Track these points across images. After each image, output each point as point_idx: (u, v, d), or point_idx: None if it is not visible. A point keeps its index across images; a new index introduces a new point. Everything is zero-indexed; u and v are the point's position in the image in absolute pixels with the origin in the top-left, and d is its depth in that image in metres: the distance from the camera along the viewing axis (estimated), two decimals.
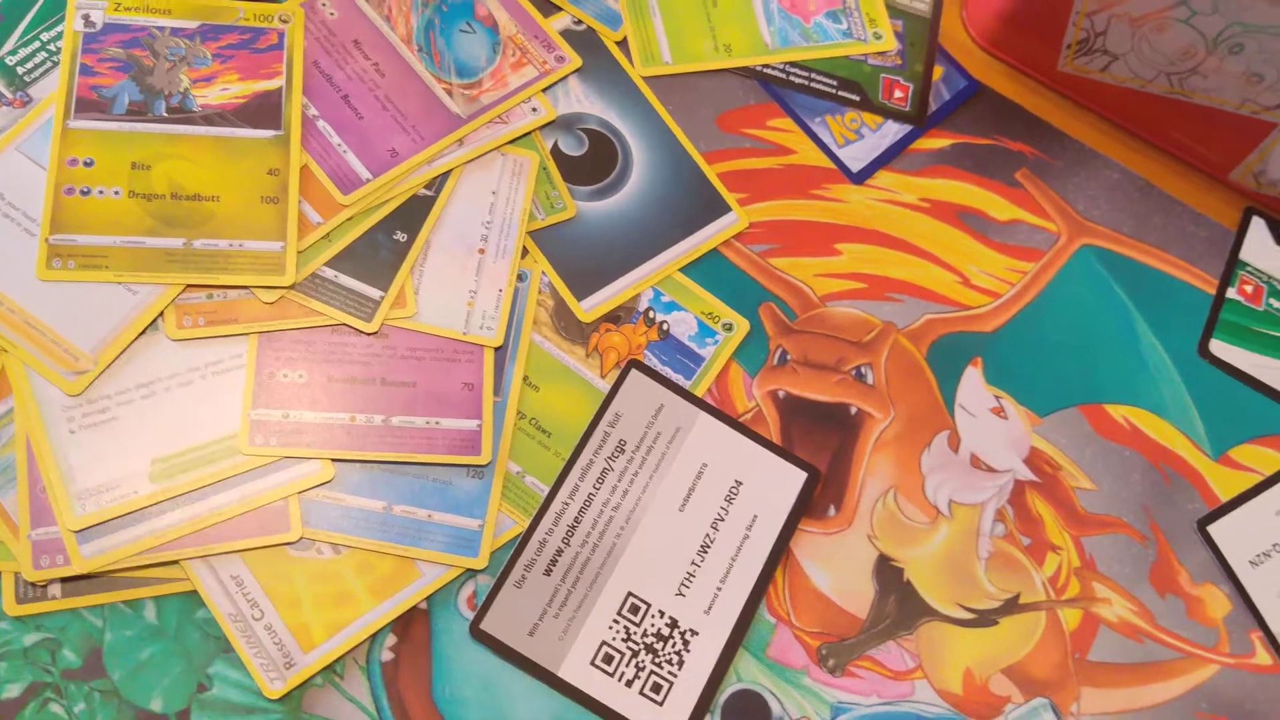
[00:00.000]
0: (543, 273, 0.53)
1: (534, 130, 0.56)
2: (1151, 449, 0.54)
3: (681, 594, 0.48)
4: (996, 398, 0.55)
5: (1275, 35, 0.56)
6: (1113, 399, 0.55)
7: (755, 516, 0.50)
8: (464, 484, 0.49)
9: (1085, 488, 0.53)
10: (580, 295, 0.53)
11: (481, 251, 0.53)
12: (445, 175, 0.54)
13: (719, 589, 0.49)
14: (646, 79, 0.58)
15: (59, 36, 0.52)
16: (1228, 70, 0.58)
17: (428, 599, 0.47)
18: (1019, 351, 0.56)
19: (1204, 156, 0.61)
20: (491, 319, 0.52)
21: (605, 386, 0.52)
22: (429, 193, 0.53)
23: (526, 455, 0.50)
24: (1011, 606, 0.50)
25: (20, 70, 0.51)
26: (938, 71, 0.62)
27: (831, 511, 0.52)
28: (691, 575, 0.49)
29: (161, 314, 0.49)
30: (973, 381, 0.55)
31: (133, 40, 0.52)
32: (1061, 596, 0.51)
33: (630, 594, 0.48)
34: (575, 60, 0.58)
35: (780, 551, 0.50)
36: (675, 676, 0.47)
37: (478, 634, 0.46)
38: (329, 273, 0.51)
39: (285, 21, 0.54)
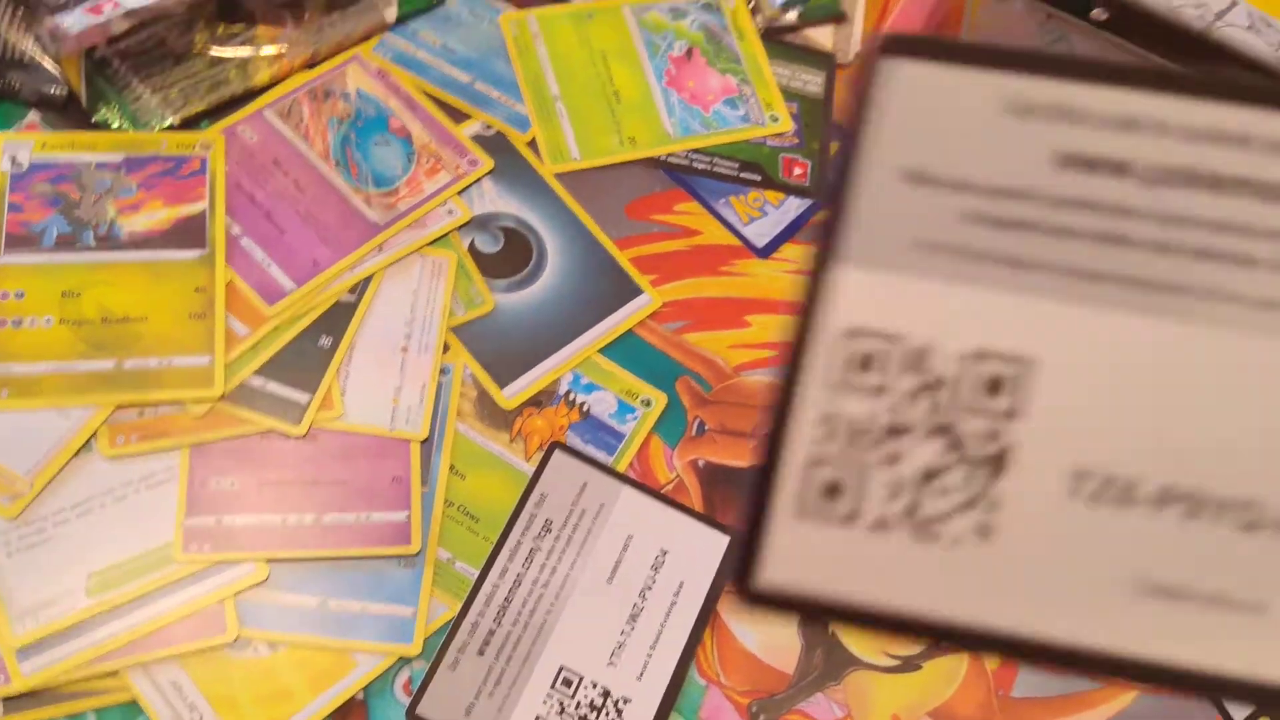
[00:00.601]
0: (465, 365, 0.56)
1: (451, 231, 0.59)
2: None
3: (613, 664, 0.50)
4: None
5: None
6: None
7: (682, 583, 0.52)
8: (396, 574, 0.51)
9: None
10: (502, 383, 0.56)
11: (405, 350, 0.55)
12: (367, 280, 0.56)
13: (649, 655, 0.50)
14: (557, 175, 0.62)
15: None
16: None
17: (365, 689, 0.49)
18: None
19: None
20: (416, 414, 0.54)
21: (530, 469, 0.54)
22: (352, 298, 0.56)
23: (456, 541, 0.52)
24: (933, 650, 0.52)
25: None
26: (834, 147, 0.66)
27: None
28: (622, 644, 0.50)
29: (95, 434, 0.51)
30: None
31: (59, 176, 0.55)
32: None
33: (563, 668, 0.49)
34: (487, 163, 0.61)
35: (708, 614, 0.51)
36: None
37: (414, 719, 0.48)
38: (257, 381, 0.53)
39: (207, 148, 0.57)
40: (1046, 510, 0.19)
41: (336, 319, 0.55)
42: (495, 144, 0.62)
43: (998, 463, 0.19)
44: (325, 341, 0.55)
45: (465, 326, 0.57)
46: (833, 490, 0.19)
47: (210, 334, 0.53)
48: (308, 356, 0.54)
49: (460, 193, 0.60)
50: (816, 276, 0.19)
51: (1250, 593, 0.18)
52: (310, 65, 0.61)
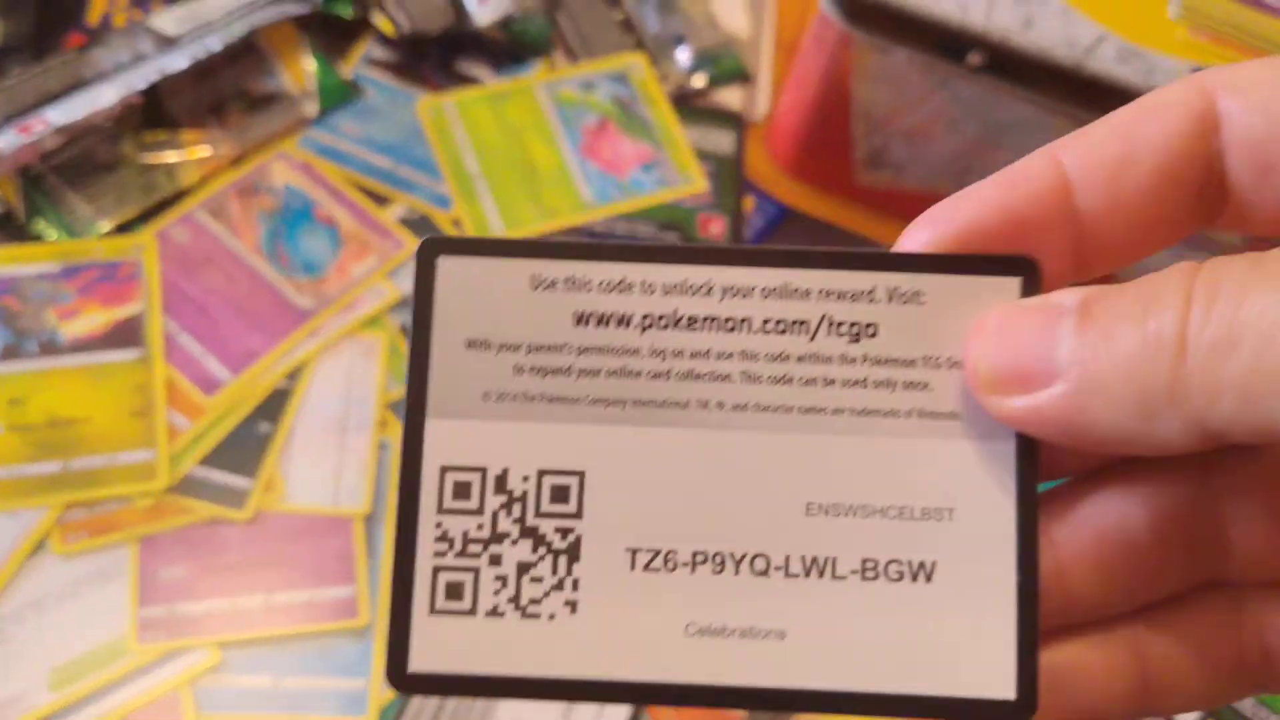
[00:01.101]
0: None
1: (382, 312, 0.61)
2: None
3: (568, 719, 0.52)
4: None
5: (1028, 131, 0.63)
6: None
7: None
8: (347, 648, 0.52)
9: None
10: None
11: (343, 429, 0.57)
12: (302, 365, 0.59)
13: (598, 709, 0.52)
14: None
15: None
16: (1000, 162, 0.65)
17: None
18: None
19: None
20: (358, 490, 0.56)
21: None
22: (288, 383, 0.58)
23: None
24: None
25: None
26: (749, 203, 0.69)
27: None
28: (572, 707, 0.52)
29: (47, 534, 0.52)
30: None
31: (0, 289, 0.57)
32: None
33: None
34: (413, 243, 0.63)
35: None
36: None
37: None
38: (200, 471, 0.55)
39: (140, 251, 0.60)
40: (613, 583, 0.25)
41: (274, 405, 0.58)
42: (420, 225, 0.64)
43: (573, 552, 0.25)
44: (265, 427, 0.57)
45: (399, 403, 0.59)
46: (454, 590, 0.25)
47: (152, 429, 0.55)
48: (249, 443, 0.56)
49: (389, 274, 0.62)
50: (411, 428, 0.25)
51: (771, 623, 0.24)
52: (237, 163, 0.64)
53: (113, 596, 0.52)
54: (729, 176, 0.69)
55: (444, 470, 0.25)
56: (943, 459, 0.25)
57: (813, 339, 0.25)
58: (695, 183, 0.68)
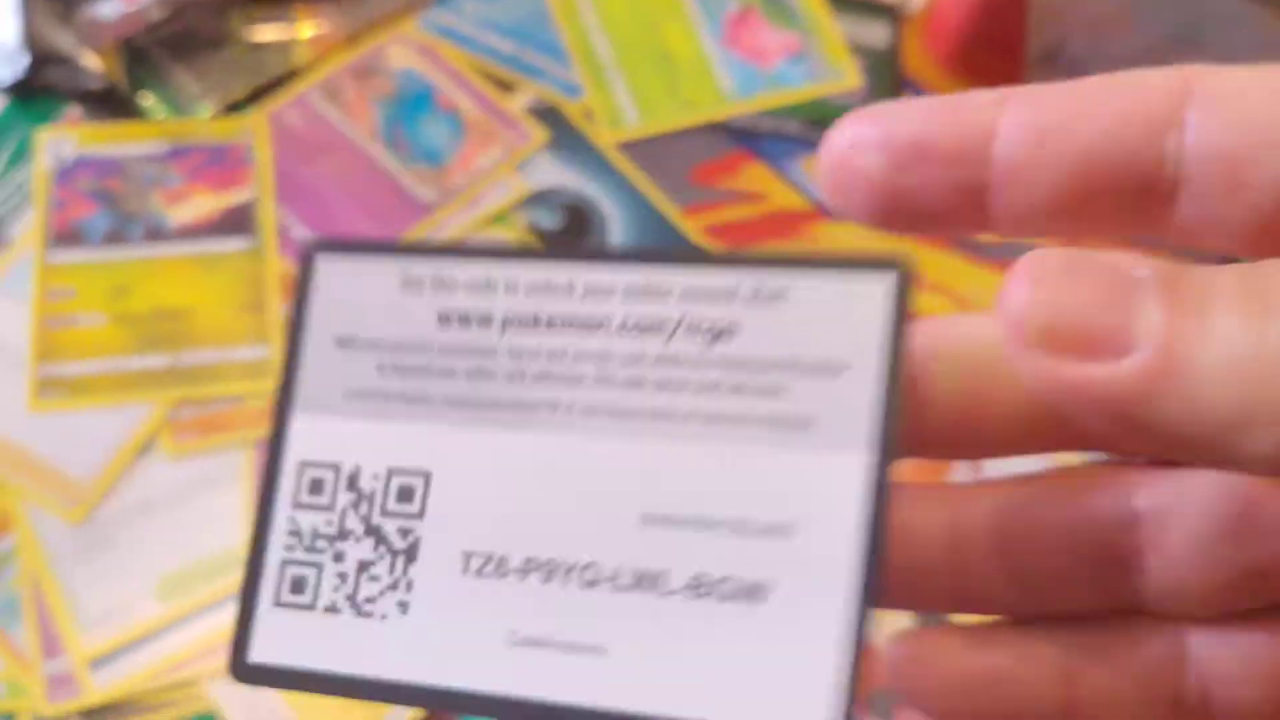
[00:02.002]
0: None
1: (507, 209, 0.56)
2: None
3: None
4: None
5: (1233, 27, 0.56)
6: None
7: None
8: None
9: None
10: None
11: None
12: None
13: None
14: (615, 144, 0.59)
15: (30, 176, 0.53)
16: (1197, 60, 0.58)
17: None
18: None
19: None
20: None
21: None
22: None
23: None
24: None
25: None
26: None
27: None
28: None
29: (155, 433, 0.49)
30: None
31: (104, 170, 0.53)
32: None
33: None
34: (540, 135, 0.58)
35: None
36: None
37: None
38: None
39: (251, 134, 0.55)
40: (445, 586, 0.24)
41: None
42: (548, 115, 0.59)
43: (411, 553, 0.24)
44: None
45: None
46: (298, 585, 0.24)
47: (265, 325, 0.51)
48: None
49: (516, 167, 0.57)
50: (277, 421, 0.24)
51: (592, 638, 0.23)
52: (351, 43, 0.59)
53: (225, 503, 0.48)
54: (884, 73, 0.63)
55: (302, 465, 0.25)
56: (792, 471, 0.23)
57: (669, 341, 0.24)
58: (847, 77, 0.62)
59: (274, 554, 0.25)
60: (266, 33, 0.58)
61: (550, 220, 0.57)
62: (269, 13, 0.58)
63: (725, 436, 0.23)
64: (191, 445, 0.49)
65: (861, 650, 0.21)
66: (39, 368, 0.49)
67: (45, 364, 0.49)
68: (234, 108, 0.56)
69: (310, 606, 0.24)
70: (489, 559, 0.24)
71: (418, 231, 0.54)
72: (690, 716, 0.23)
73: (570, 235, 0.56)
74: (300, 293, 0.26)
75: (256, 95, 0.57)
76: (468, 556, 0.24)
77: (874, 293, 0.22)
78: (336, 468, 0.25)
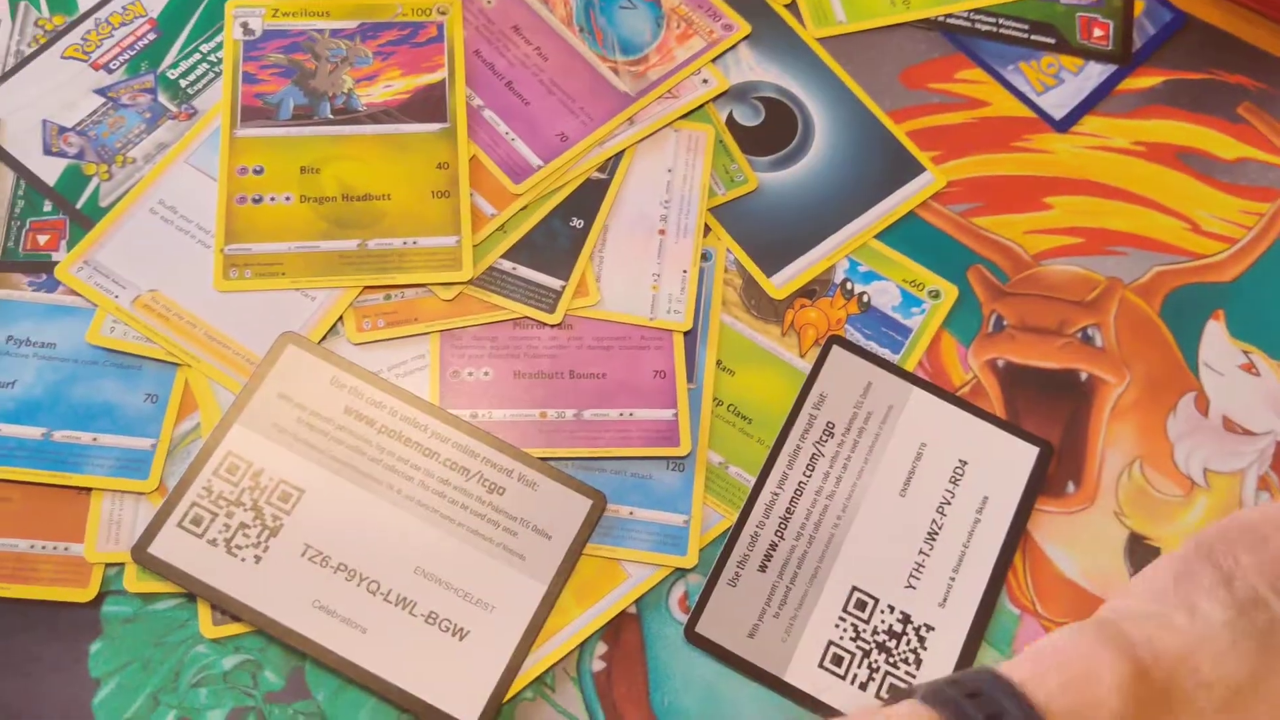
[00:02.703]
0: (728, 250, 0.50)
1: (707, 102, 0.52)
2: None
3: (911, 586, 0.44)
4: (1245, 353, 0.49)
5: None
6: None
7: (986, 498, 0.45)
8: (664, 478, 0.45)
9: None
10: (770, 271, 0.50)
11: (662, 232, 0.49)
12: (618, 156, 0.51)
13: (952, 579, 0.44)
14: (820, 40, 0.54)
15: (219, 47, 0.51)
16: None
17: (637, 602, 0.44)
18: (1266, 300, 0.50)
19: None
20: (678, 302, 0.48)
21: (805, 366, 0.48)
22: (602, 175, 0.50)
23: (727, 444, 0.46)
24: None
25: (183, 83, 0.50)
26: (1139, 5, 0.57)
27: (1071, 488, 0.46)
28: (920, 565, 0.44)
29: (340, 318, 0.47)
30: (1216, 336, 0.49)
31: (293, 45, 0.51)
32: None
33: (855, 589, 0.44)
34: (744, 27, 0.54)
35: (1017, 535, 0.45)
36: (914, 677, 0.42)
37: (694, 638, 0.43)
38: (506, 265, 0.48)
39: (443, 13, 0.52)
40: (286, 558, 0.42)
41: (587, 198, 0.50)
42: (751, 5, 0.55)
43: (275, 531, 0.42)
44: (577, 223, 0.49)
45: (726, 207, 0.51)
46: (197, 520, 0.42)
47: (455, 213, 0.48)
48: (558, 239, 0.49)
49: (715, 60, 0.53)
50: (223, 424, 0.43)
51: (361, 621, 0.42)
52: None
53: (412, 387, 0.46)
54: None
55: (229, 453, 0.43)
56: (504, 577, 0.42)
57: (467, 480, 0.44)
58: None
59: (189, 496, 0.42)
60: None
61: (750, 116, 0.53)
62: None
63: (478, 544, 0.43)
64: (377, 334, 0.46)
65: (509, 679, 0.41)
66: (226, 246, 0.47)
67: (233, 242, 0.47)
68: None
69: (200, 536, 0.42)
70: (319, 553, 0.42)
71: (616, 122, 0.51)
72: (402, 685, 0.41)
73: (771, 133, 0.52)
74: (268, 360, 0.44)
75: None
76: (307, 546, 0.42)
77: (581, 505, 0.43)
78: (250, 463, 0.43)
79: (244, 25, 0.51)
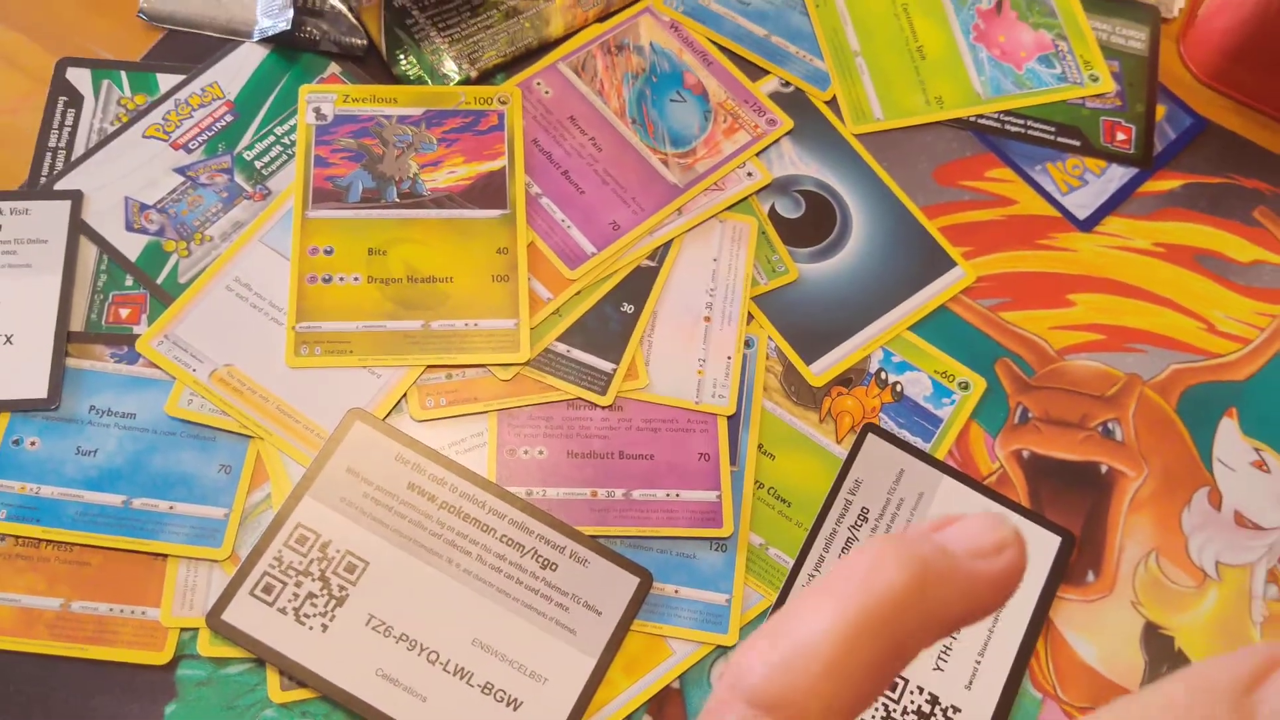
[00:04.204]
0: (769, 338, 0.53)
1: (751, 195, 0.55)
2: None
3: (939, 668, 0.46)
4: (1256, 450, 0.51)
5: None
6: None
7: None
8: (707, 557, 0.48)
9: None
10: (809, 359, 0.52)
11: (707, 319, 0.52)
12: (667, 245, 0.54)
13: (978, 662, 0.46)
14: (859, 136, 0.58)
15: (292, 130, 0.54)
16: None
17: (680, 678, 0.46)
18: (1276, 400, 0.52)
19: None
20: (723, 387, 0.51)
21: (841, 452, 0.50)
22: (652, 263, 0.53)
23: (767, 526, 0.49)
24: None
25: (258, 164, 0.53)
26: (1160, 111, 0.60)
27: (1090, 577, 0.49)
28: (948, 648, 0.47)
29: (405, 395, 0.49)
30: (1229, 433, 0.52)
31: (362, 130, 0.54)
32: None
33: None
34: (787, 122, 0.57)
35: (1040, 621, 0.47)
36: None
37: None
38: (561, 347, 0.51)
39: (504, 103, 0.55)
40: (352, 626, 0.44)
41: (637, 285, 0.53)
42: (793, 102, 0.58)
43: (341, 600, 0.44)
44: (628, 308, 0.52)
45: (768, 296, 0.54)
46: (268, 589, 0.44)
47: (514, 297, 0.51)
48: (610, 323, 0.52)
49: (759, 153, 0.56)
50: (294, 495, 0.46)
51: (422, 690, 0.43)
52: (602, 18, 0.59)
53: (471, 464, 0.48)
54: (1139, 79, 0.60)
55: (298, 525, 0.45)
56: (556, 650, 0.45)
57: (522, 556, 0.46)
58: (1101, 82, 0.60)
59: (261, 565, 0.44)
60: (523, 2, 0.58)
61: (792, 208, 0.56)
62: None
63: (531, 618, 0.45)
64: (438, 412, 0.49)
65: None
66: (298, 324, 0.50)
67: (304, 320, 0.50)
68: (487, 76, 0.57)
69: (271, 603, 0.44)
70: (382, 623, 0.44)
71: (666, 212, 0.54)
72: None
73: (811, 225, 0.55)
74: (336, 435, 0.47)
75: (508, 64, 0.57)
76: (371, 616, 0.44)
77: (629, 583, 0.46)
78: (318, 534, 0.45)
79: (316, 110, 0.54)
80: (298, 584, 0.44)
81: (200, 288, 0.50)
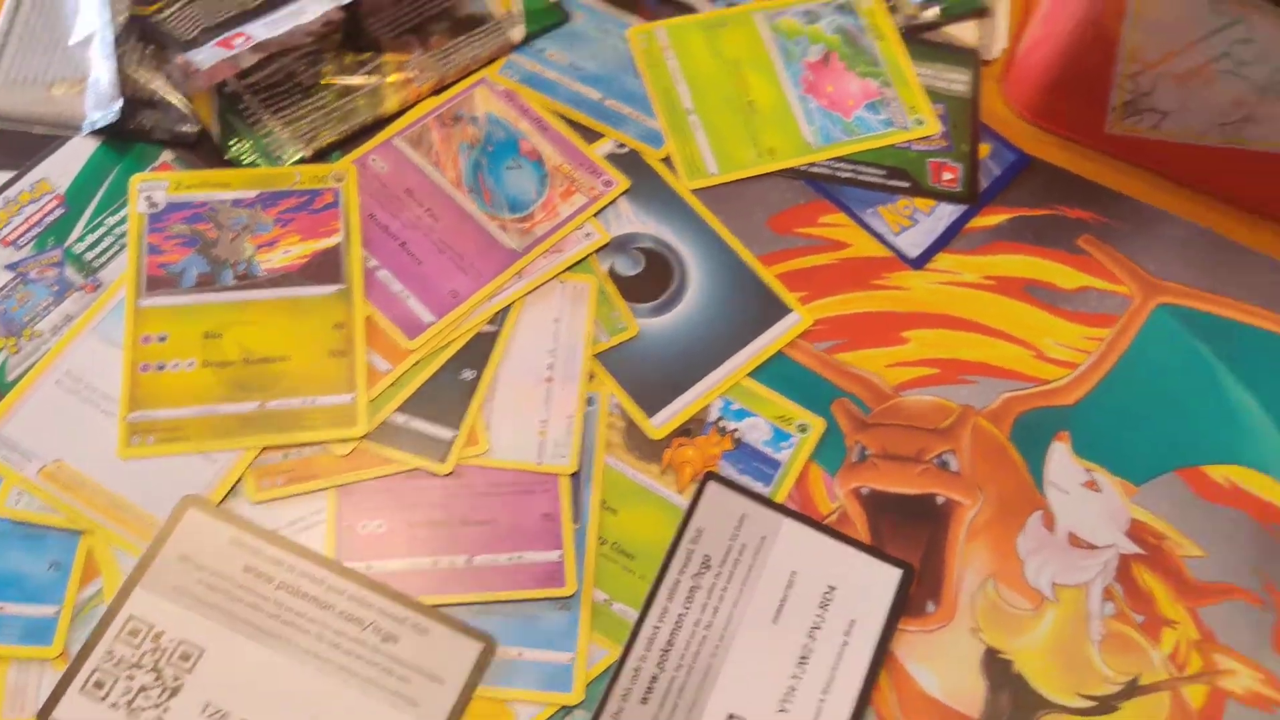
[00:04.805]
0: (611, 394, 0.53)
1: (590, 255, 0.56)
2: (1258, 508, 0.52)
3: (784, 710, 0.47)
4: (1088, 471, 0.53)
5: None
6: (1210, 459, 0.53)
7: (853, 621, 0.48)
8: (551, 617, 0.48)
9: (1194, 555, 0.51)
10: (650, 412, 0.53)
11: (549, 380, 0.53)
12: (507, 309, 0.54)
13: (822, 700, 0.47)
14: (694, 191, 0.59)
15: (123, 220, 0.54)
16: None
17: None
18: (1105, 421, 0.54)
19: (1269, 203, 0.60)
20: (564, 446, 0.51)
21: (684, 503, 0.51)
22: (492, 328, 0.54)
23: (611, 581, 0.49)
24: (1132, 689, 0.48)
25: (89, 256, 0.53)
26: (985, 149, 0.62)
27: (930, 608, 0.50)
28: (793, 689, 0.47)
29: (241, 478, 0.49)
30: (1061, 457, 0.53)
31: (195, 215, 0.54)
32: (1183, 673, 0.49)
33: (731, 716, 0.47)
34: (623, 182, 0.58)
35: (882, 655, 0.48)
36: None
37: None
38: (400, 418, 0.51)
39: (339, 180, 0.56)
40: (187, 717, 0.43)
41: (477, 351, 0.53)
42: (629, 162, 0.59)
43: (175, 690, 0.44)
44: (467, 374, 0.53)
45: (609, 353, 0.54)
46: (99, 685, 0.44)
47: (351, 371, 0.51)
48: (450, 391, 0.52)
49: (597, 214, 0.58)
50: (125, 587, 0.45)
51: None
52: (438, 91, 0.60)
53: (310, 548, 0.48)
54: (963, 119, 0.63)
55: (130, 618, 0.45)
56: None
57: (362, 630, 0.46)
58: (926, 124, 0.62)
59: (91, 662, 0.44)
60: (356, 79, 0.59)
61: (630, 266, 0.57)
62: (359, 60, 0.59)
63: (371, 692, 0.45)
64: (276, 492, 0.49)
65: None
66: (130, 414, 0.50)
67: (136, 409, 0.50)
68: (322, 154, 0.57)
69: (103, 699, 0.43)
70: (218, 710, 0.44)
71: (505, 277, 0.55)
72: None
73: (650, 281, 0.56)
74: (169, 524, 0.47)
75: (344, 142, 0.58)
76: (207, 704, 0.44)
77: (471, 650, 0.46)
78: (151, 625, 0.45)
79: (148, 198, 0.55)
80: (129, 677, 0.44)
81: (29, 384, 0.50)
